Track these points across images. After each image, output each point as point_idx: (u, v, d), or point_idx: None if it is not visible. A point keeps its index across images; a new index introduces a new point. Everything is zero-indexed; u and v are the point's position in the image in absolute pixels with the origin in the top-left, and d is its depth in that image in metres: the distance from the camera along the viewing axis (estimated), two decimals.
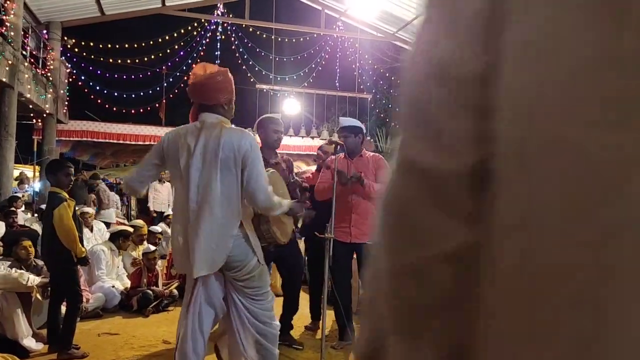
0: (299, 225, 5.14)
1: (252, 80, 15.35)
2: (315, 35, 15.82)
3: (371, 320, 0.53)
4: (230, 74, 2.96)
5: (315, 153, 5.58)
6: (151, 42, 14.24)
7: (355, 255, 4.35)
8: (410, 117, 0.46)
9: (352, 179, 4.00)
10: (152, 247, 6.01)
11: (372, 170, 4.23)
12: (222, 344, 3.11)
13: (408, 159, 0.44)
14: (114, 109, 14.51)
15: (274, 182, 3.05)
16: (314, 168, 6.27)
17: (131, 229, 6.46)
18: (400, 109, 0.48)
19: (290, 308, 4.30)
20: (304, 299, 4.53)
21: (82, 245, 3.94)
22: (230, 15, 15.04)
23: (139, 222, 7.10)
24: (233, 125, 2.96)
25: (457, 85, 0.40)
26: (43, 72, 11.64)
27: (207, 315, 2.81)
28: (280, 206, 2.78)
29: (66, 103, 13.46)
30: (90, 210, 8.25)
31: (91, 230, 7.84)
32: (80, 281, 4.24)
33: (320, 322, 3.73)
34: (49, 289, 4.12)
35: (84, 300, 4.93)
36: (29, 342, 3.96)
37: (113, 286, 5.49)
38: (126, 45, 14.08)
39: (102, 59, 13.91)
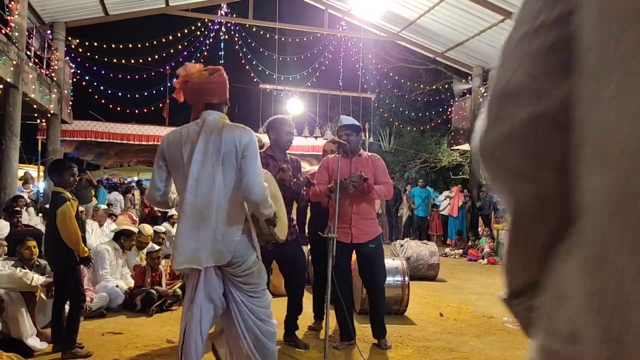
0: (306, 229, 5.13)
1: (255, 80, 15.38)
2: (318, 35, 15.81)
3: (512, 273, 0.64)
4: (224, 72, 3.01)
5: (319, 153, 5.59)
6: (155, 42, 14.28)
7: (355, 255, 4.35)
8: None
9: (353, 182, 4.00)
10: (156, 247, 6.00)
11: (371, 169, 4.24)
12: (220, 343, 3.12)
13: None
14: (118, 109, 14.57)
15: (267, 182, 3.07)
16: (317, 168, 6.27)
17: (135, 229, 6.44)
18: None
19: (294, 309, 4.30)
20: (307, 298, 4.53)
21: (85, 245, 3.95)
22: (234, 15, 15.05)
23: (147, 228, 6.85)
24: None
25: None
26: (47, 72, 11.69)
27: (207, 312, 2.82)
28: (270, 206, 2.83)
29: (70, 103, 13.50)
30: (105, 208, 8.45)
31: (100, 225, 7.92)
32: (83, 281, 4.24)
33: (324, 322, 3.72)
34: (53, 288, 4.13)
35: (88, 299, 4.95)
36: (34, 342, 3.98)
37: (117, 286, 5.50)
38: (130, 46, 14.12)
39: (105, 59, 13.96)
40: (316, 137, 15.13)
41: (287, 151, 4.33)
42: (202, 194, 2.69)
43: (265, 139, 4.40)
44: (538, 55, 0.52)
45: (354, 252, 4.30)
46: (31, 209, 9.25)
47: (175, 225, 9.06)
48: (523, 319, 0.65)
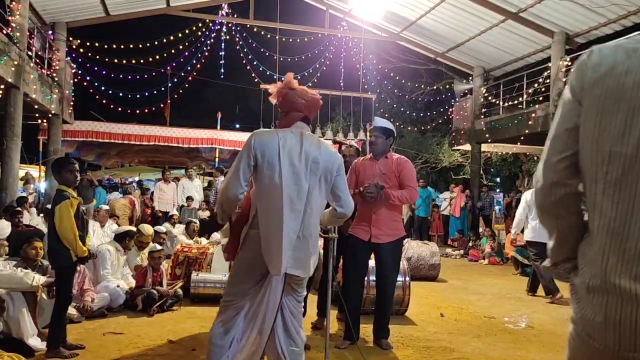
0: None
1: (256, 80, 15.36)
2: (319, 35, 15.81)
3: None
4: None
5: None
6: (156, 43, 14.28)
7: (374, 255, 4.36)
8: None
9: (370, 193, 4.05)
10: (159, 246, 6.01)
11: (395, 172, 4.26)
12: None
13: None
14: (119, 109, 14.56)
15: None
16: None
17: (135, 229, 6.45)
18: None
19: None
20: (309, 299, 4.52)
21: (84, 244, 3.93)
22: (235, 16, 15.06)
23: (147, 228, 6.84)
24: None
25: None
26: (48, 72, 11.70)
27: (270, 323, 2.78)
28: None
29: (71, 103, 13.51)
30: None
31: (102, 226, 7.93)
32: (73, 282, 4.22)
33: (325, 321, 3.72)
34: (54, 288, 4.13)
35: (89, 299, 4.95)
36: (34, 342, 3.98)
37: (118, 286, 5.50)
38: (131, 46, 14.12)
39: (107, 59, 13.96)
40: None
41: None
42: (304, 206, 2.75)
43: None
44: (564, 169, 1.28)
45: (373, 251, 4.33)
46: (32, 209, 9.27)
47: (176, 225, 9.07)
48: (561, 275, 1.39)
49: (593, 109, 1.19)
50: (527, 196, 7.24)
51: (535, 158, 16.86)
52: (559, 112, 1.31)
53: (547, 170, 1.30)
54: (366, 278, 5.06)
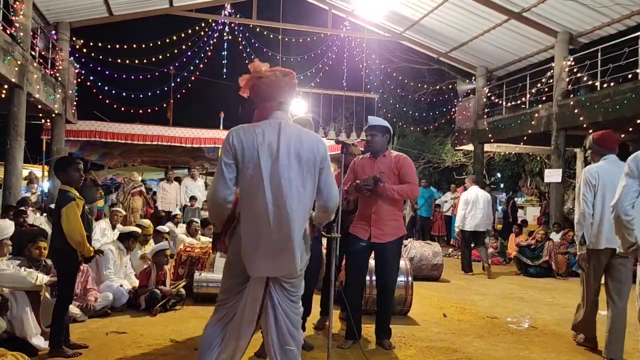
0: None
1: None
2: (322, 35, 15.81)
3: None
4: None
5: None
6: (159, 43, 14.29)
7: (374, 254, 4.35)
8: None
9: (366, 185, 4.02)
10: (166, 245, 6.07)
11: (394, 170, 4.23)
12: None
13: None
14: (122, 109, 14.58)
15: None
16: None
17: (139, 230, 6.48)
18: None
19: (303, 310, 4.30)
20: (314, 297, 4.53)
21: (90, 245, 3.95)
22: (238, 16, 15.07)
23: (145, 221, 7.12)
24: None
25: None
26: (52, 72, 11.73)
27: (250, 324, 2.74)
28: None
29: (75, 103, 13.54)
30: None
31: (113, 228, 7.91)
32: (76, 281, 4.23)
33: (328, 321, 3.72)
34: (57, 287, 4.13)
35: (92, 299, 4.96)
36: (38, 341, 3.99)
37: (121, 285, 5.52)
38: (134, 46, 14.14)
39: (110, 59, 13.98)
40: None
41: None
42: (284, 202, 2.58)
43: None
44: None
45: (372, 251, 4.32)
46: (36, 210, 9.29)
47: (179, 225, 9.08)
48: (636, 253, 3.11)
49: None
50: (466, 196, 9.14)
51: (538, 158, 16.84)
52: None
53: (625, 199, 3.06)
54: (368, 278, 5.07)
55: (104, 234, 7.43)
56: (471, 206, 8.99)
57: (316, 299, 4.95)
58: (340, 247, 4.74)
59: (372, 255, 4.39)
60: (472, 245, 9.24)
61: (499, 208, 15.34)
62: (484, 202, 8.99)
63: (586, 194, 4.14)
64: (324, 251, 4.75)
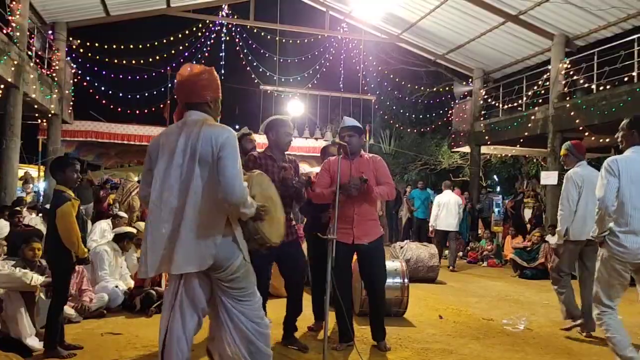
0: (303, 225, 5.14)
1: (256, 81, 15.38)
2: (319, 37, 15.83)
3: None
4: (215, 73, 2.90)
5: (319, 154, 5.61)
6: (156, 43, 14.29)
7: (356, 256, 4.35)
8: None
9: (355, 185, 4.00)
10: None
11: (372, 171, 4.23)
12: (214, 347, 3.03)
13: None
14: (119, 109, 14.56)
15: (259, 182, 3.02)
16: (317, 169, 6.29)
17: (134, 230, 6.46)
18: None
19: (293, 310, 4.29)
20: (306, 299, 4.53)
21: (85, 246, 3.94)
22: (235, 17, 15.07)
23: (142, 224, 7.01)
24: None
25: None
26: (48, 72, 11.70)
27: (191, 318, 2.77)
28: (251, 206, 2.69)
29: (71, 103, 13.52)
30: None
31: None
32: (72, 282, 4.22)
33: (323, 323, 3.72)
34: (52, 288, 4.12)
35: (87, 300, 4.95)
36: (32, 342, 3.97)
37: (117, 286, 5.50)
38: (131, 46, 14.12)
39: (107, 59, 13.96)
40: (316, 139, 15.15)
41: (289, 152, 4.35)
42: (180, 198, 2.61)
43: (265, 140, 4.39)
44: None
45: (355, 253, 4.30)
46: (31, 209, 9.26)
47: None
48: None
49: None
50: (439, 199, 10.16)
51: (535, 160, 16.88)
52: None
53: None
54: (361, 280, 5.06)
55: (103, 235, 7.39)
56: (443, 208, 10.04)
57: (309, 299, 4.95)
58: (315, 248, 4.73)
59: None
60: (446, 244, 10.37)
61: (496, 210, 15.36)
62: (454, 205, 10.08)
63: (573, 194, 4.77)
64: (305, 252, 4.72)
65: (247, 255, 2.79)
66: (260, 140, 7.04)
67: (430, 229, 10.51)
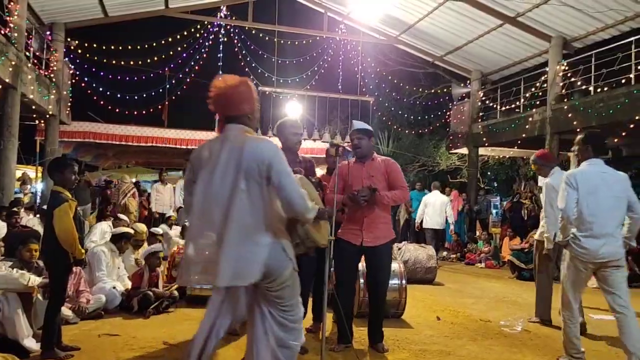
0: None
1: (254, 82, 15.31)
2: (317, 38, 15.84)
3: None
4: (251, 83, 2.85)
5: (318, 155, 5.62)
6: (154, 44, 14.27)
7: (364, 258, 4.35)
8: None
9: (363, 197, 4.02)
10: (160, 247, 6.05)
11: (384, 174, 4.23)
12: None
13: None
14: (117, 110, 14.52)
15: (304, 187, 3.00)
16: (319, 170, 6.30)
17: (132, 230, 6.45)
18: None
19: None
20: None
21: (82, 247, 3.93)
22: (233, 18, 15.07)
23: (140, 226, 7.00)
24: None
25: None
26: (46, 73, 11.69)
27: (226, 323, 2.82)
28: (313, 209, 2.76)
29: (69, 104, 13.49)
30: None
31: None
32: (69, 283, 4.20)
33: (321, 324, 3.72)
34: (49, 289, 4.11)
35: (84, 301, 4.94)
36: (29, 343, 3.96)
37: (114, 287, 5.49)
38: (129, 47, 14.09)
39: (105, 60, 13.93)
40: (314, 140, 15.15)
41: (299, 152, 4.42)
42: (224, 212, 2.58)
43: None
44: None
45: (363, 254, 4.31)
46: (29, 210, 9.24)
47: (173, 227, 9.05)
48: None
49: None
50: (427, 199, 11.08)
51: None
52: None
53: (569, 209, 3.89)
54: (362, 280, 5.06)
55: (103, 236, 7.38)
56: (429, 207, 10.98)
57: (310, 303, 4.95)
58: (317, 249, 4.74)
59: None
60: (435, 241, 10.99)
61: (494, 212, 15.36)
62: (440, 205, 11.01)
63: (555, 199, 4.88)
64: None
65: (296, 265, 2.77)
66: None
67: (416, 224, 11.41)
